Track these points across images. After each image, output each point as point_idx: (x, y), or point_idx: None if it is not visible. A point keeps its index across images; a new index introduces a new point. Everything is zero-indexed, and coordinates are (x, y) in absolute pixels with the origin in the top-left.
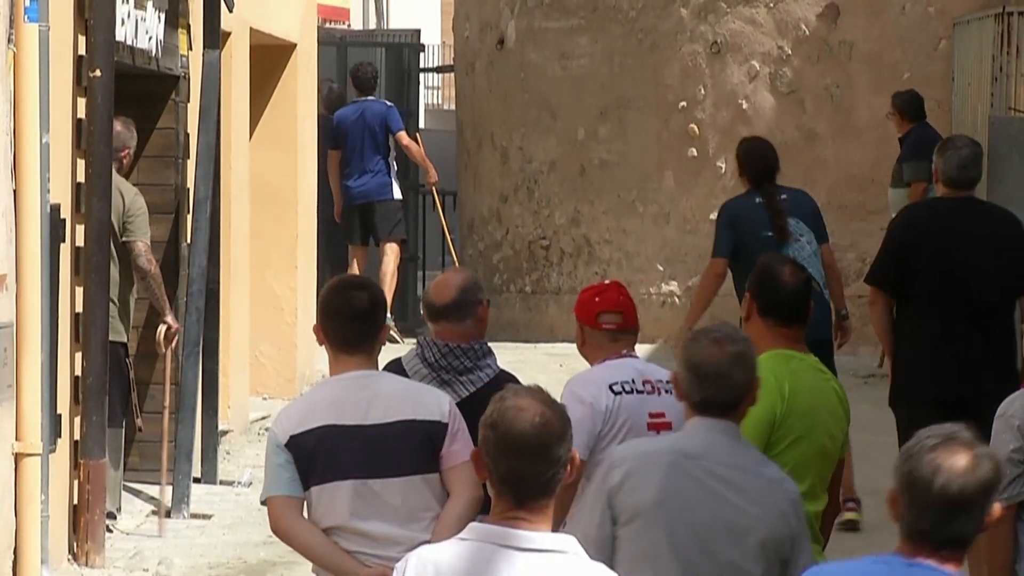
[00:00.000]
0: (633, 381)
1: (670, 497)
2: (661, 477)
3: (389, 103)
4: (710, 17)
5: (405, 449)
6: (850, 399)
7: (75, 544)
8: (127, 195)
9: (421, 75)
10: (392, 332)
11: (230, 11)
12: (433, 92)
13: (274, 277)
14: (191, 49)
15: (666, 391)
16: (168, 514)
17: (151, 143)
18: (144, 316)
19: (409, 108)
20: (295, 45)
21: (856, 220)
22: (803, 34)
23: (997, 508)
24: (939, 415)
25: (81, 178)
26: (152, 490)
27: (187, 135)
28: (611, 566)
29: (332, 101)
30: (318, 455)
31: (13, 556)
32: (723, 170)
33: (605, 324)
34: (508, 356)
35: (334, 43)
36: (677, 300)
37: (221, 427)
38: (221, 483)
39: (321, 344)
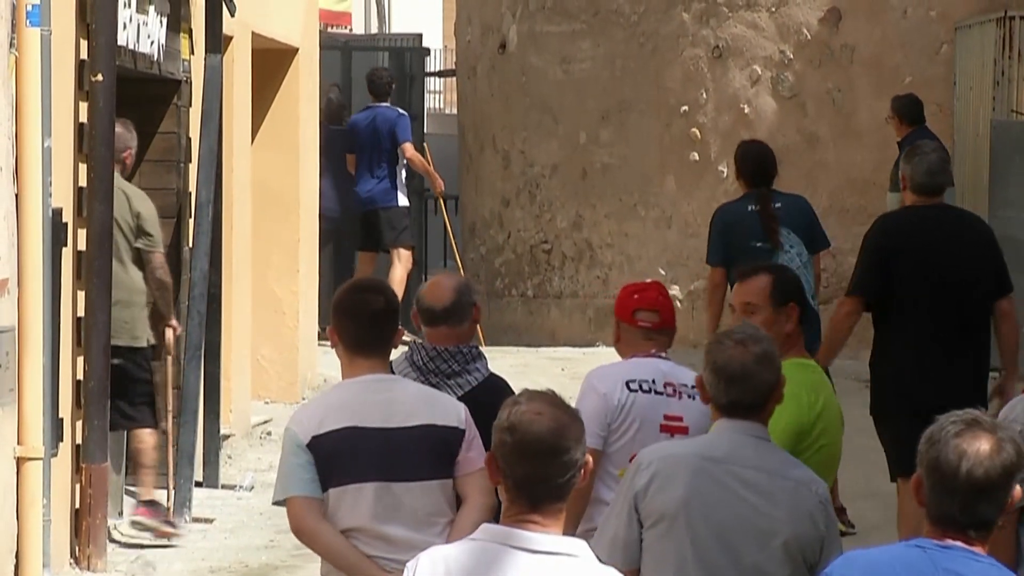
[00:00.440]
0: (653, 381)
1: (694, 501)
2: (686, 481)
3: (402, 111)
4: (712, 21)
5: (425, 454)
6: (850, 403)
7: (77, 548)
8: (134, 199)
9: (426, 79)
10: (405, 337)
11: (232, 15)
12: (434, 96)
13: (276, 280)
14: (193, 53)
15: (688, 396)
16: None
17: (153, 147)
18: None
19: (413, 112)
20: (297, 49)
21: (857, 224)
22: (805, 38)
23: (1019, 491)
24: (925, 425)
25: (83, 182)
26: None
27: (189, 139)
28: (639, 568)
29: (332, 111)
30: (340, 456)
31: (15, 560)
32: (725, 174)
33: (640, 322)
34: (510, 360)
35: (338, 47)
36: (679, 304)
37: (223, 431)
38: (223, 487)
39: (335, 347)
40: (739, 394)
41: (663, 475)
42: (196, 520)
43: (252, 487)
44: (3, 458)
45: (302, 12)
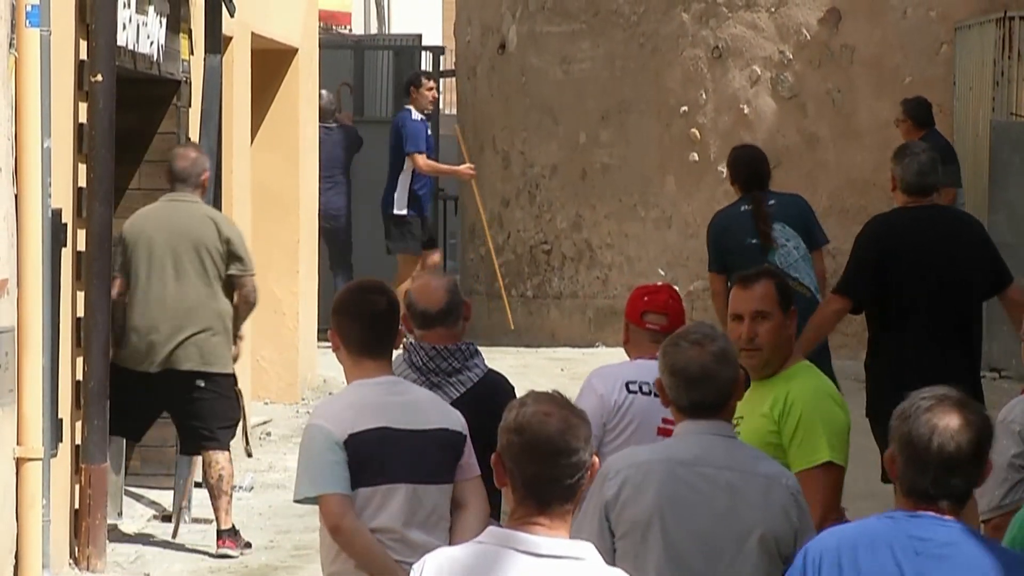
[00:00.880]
0: (654, 384)
1: (667, 507)
2: (657, 488)
3: (416, 117)
4: (711, 22)
5: (440, 457)
6: (850, 403)
7: (76, 548)
8: (222, 224)
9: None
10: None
11: (231, 16)
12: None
13: (275, 281)
14: (192, 53)
15: None
16: (170, 518)
17: (152, 148)
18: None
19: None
20: (296, 50)
21: (857, 224)
22: (804, 38)
23: (990, 464)
24: None
25: (83, 183)
26: (153, 494)
27: (188, 139)
28: None
29: (321, 111)
30: (375, 456)
31: (15, 560)
32: (724, 174)
33: (648, 324)
34: (510, 360)
35: (350, 46)
36: None
37: None
38: None
39: (336, 350)
40: (701, 395)
41: (632, 483)
42: (196, 520)
43: (252, 487)
44: (3, 458)
45: (302, 12)
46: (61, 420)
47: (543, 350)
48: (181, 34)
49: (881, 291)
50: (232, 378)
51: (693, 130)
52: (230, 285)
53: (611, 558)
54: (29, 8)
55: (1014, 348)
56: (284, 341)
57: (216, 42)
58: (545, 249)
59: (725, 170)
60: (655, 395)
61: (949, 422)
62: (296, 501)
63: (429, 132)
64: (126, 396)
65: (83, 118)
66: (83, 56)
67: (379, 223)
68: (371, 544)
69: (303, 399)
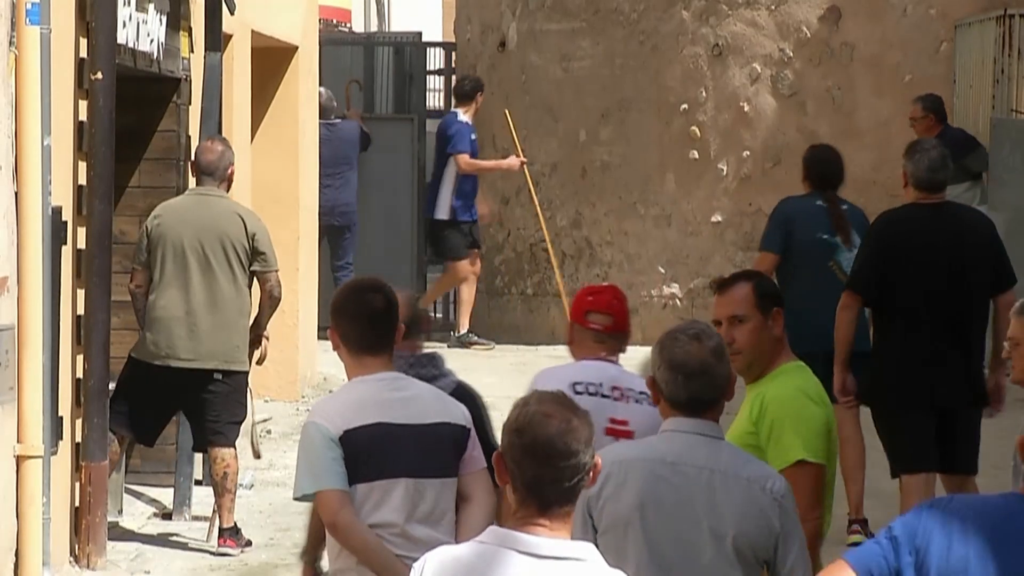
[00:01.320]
0: (600, 384)
1: (647, 506)
2: (638, 486)
3: (462, 119)
4: (711, 19)
5: (443, 451)
6: None
7: (76, 546)
8: (248, 219)
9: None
10: (479, 343)
11: (231, 13)
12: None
13: None
14: (192, 51)
15: (636, 400)
16: (170, 516)
17: (152, 145)
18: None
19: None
20: (296, 47)
21: None
22: (804, 36)
23: None
24: (928, 423)
25: (83, 180)
26: (153, 492)
27: (188, 137)
28: None
29: (320, 108)
30: (371, 452)
31: (15, 558)
32: (724, 172)
33: (592, 324)
34: (510, 358)
35: (360, 43)
36: (679, 302)
37: None
38: None
39: (336, 348)
40: (699, 389)
41: (615, 480)
42: (196, 518)
43: (252, 485)
44: (3, 456)
45: (302, 10)
46: (61, 418)
47: (543, 348)
48: (181, 32)
49: (883, 286)
50: (246, 376)
51: (693, 128)
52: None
53: None
54: (29, 6)
55: None
56: (284, 339)
57: (216, 40)
58: (545, 247)
59: (725, 167)
60: (602, 395)
61: None
62: (296, 499)
63: (474, 136)
64: (142, 392)
65: (83, 116)
66: (83, 54)
67: (385, 221)
68: (368, 539)
69: (303, 397)
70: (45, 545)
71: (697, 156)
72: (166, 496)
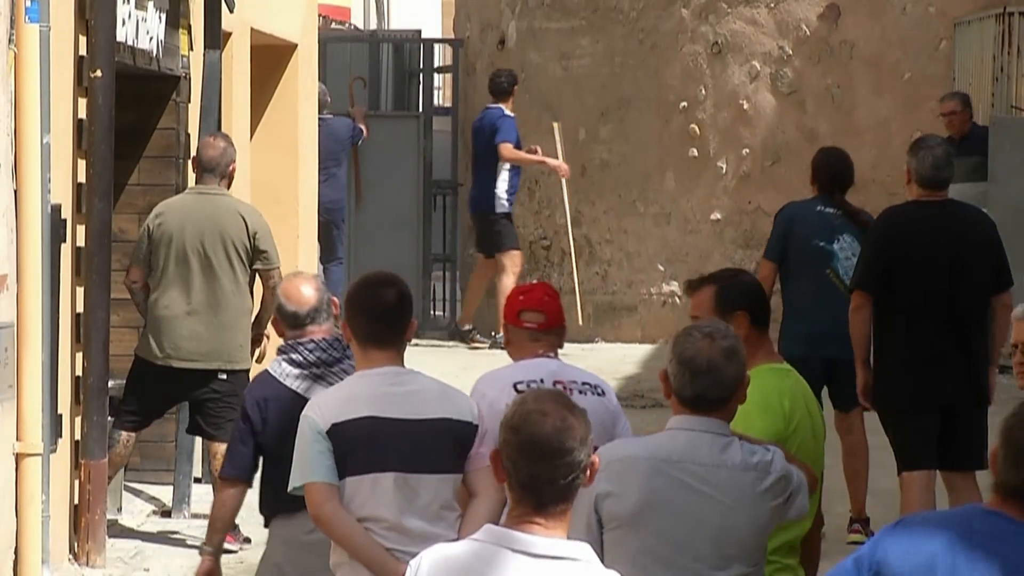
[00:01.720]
0: (542, 381)
1: (653, 505)
2: (642, 484)
3: (507, 113)
4: (711, 17)
5: (441, 447)
6: None
7: (76, 544)
8: (250, 218)
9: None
10: (479, 342)
11: (231, 11)
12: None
13: None
14: (192, 49)
15: (579, 392)
16: (169, 514)
17: (152, 143)
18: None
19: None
20: (296, 45)
21: None
22: (804, 34)
23: None
24: (930, 422)
25: (82, 178)
26: (152, 490)
27: (188, 135)
28: None
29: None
30: (360, 445)
31: (14, 556)
32: (724, 170)
33: (526, 323)
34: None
35: (366, 39)
36: (678, 300)
37: None
38: None
39: (349, 342)
40: (704, 387)
41: (620, 478)
42: (195, 516)
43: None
44: (2, 454)
45: (302, 8)
46: (60, 416)
47: None
48: (181, 30)
49: (888, 284)
50: (248, 374)
51: (692, 126)
52: (253, 278)
53: (600, 550)
54: (28, 4)
55: None
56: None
57: (215, 38)
58: (544, 245)
59: (724, 165)
60: None
61: None
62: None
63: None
64: (140, 388)
65: (82, 114)
66: (82, 52)
67: (389, 218)
68: (353, 531)
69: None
70: (44, 543)
71: (696, 154)
72: (165, 494)
